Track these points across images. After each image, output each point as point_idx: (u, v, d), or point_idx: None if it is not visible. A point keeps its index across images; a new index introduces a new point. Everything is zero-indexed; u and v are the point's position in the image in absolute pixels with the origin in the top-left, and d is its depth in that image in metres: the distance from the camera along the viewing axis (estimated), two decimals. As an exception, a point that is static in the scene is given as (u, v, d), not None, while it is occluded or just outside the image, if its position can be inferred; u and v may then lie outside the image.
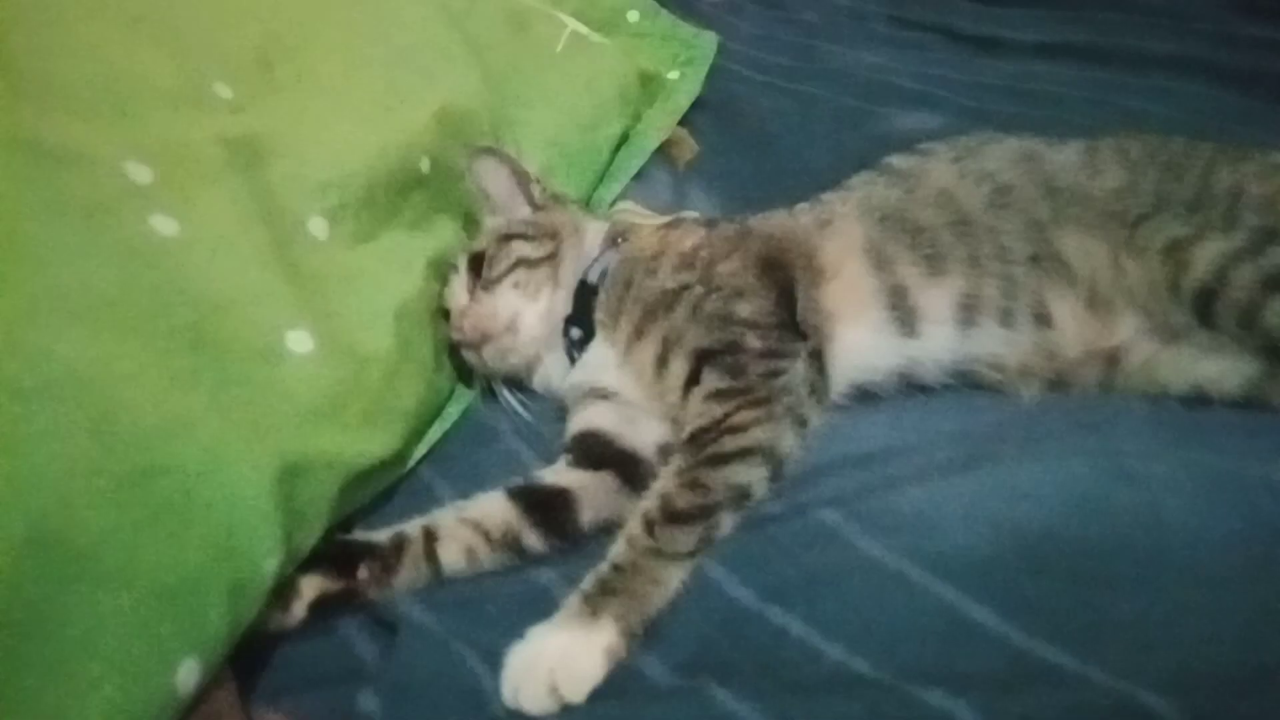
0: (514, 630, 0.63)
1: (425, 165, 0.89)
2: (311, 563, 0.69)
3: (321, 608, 0.69)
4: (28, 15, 0.68)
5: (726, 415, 0.72)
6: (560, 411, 0.87)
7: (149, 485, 0.53)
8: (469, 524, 0.74)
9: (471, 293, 0.88)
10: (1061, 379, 0.81)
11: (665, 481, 0.70)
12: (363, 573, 0.71)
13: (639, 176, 1.21)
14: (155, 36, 0.76)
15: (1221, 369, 0.77)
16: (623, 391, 0.82)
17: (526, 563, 0.73)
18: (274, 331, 0.65)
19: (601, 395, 0.83)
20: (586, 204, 1.12)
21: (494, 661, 0.62)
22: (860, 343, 0.81)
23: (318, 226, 0.76)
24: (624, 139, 1.24)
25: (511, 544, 0.74)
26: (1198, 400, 0.78)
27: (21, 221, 0.57)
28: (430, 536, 0.73)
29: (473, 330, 0.86)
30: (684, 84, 1.37)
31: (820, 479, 0.74)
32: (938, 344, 0.81)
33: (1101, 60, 1.43)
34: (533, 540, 0.74)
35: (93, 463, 0.51)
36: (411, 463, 0.81)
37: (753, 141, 1.32)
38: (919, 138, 0.96)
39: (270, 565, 0.60)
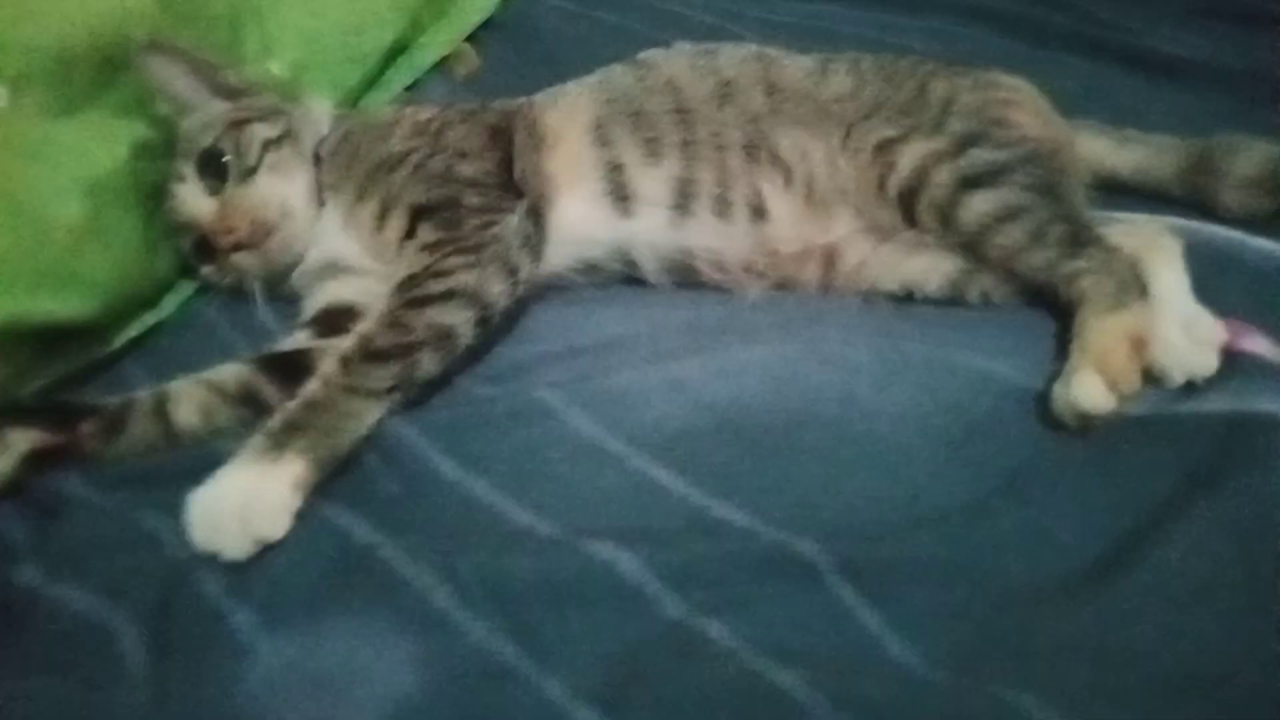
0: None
1: (145, 46, 0.83)
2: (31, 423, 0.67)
3: (40, 463, 0.66)
4: None
5: (435, 262, 0.73)
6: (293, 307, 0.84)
7: None
8: (204, 385, 0.72)
9: (218, 194, 0.82)
10: (784, 279, 0.84)
11: (367, 323, 0.69)
12: (86, 428, 0.68)
13: (413, 88, 1.18)
14: None
15: (926, 267, 0.82)
16: (350, 258, 0.81)
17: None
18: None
19: (338, 270, 0.82)
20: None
21: (172, 513, 0.59)
22: (579, 213, 0.83)
23: (-6, 93, 0.70)
24: (401, 50, 1.20)
25: (248, 399, 0.72)
26: (905, 298, 0.83)
27: None
28: (162, 397, 0.71)
29: (250, 226, 0.79)
30: (475, 2, 1.34)
31: (545, 366, 0.75)
32: (652, 227, 0.83)
33: (888, 3, 1.49)
34: (270, 394, 0.72)
35: None
36: (114, 345, 0.77)
37: (537, 62, 1.30)
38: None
39: None
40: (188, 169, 0.82)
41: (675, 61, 0.90)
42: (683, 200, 0.83)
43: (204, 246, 0.82)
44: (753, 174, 0.83)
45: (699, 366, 0.73)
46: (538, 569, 0.57)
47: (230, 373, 0.73)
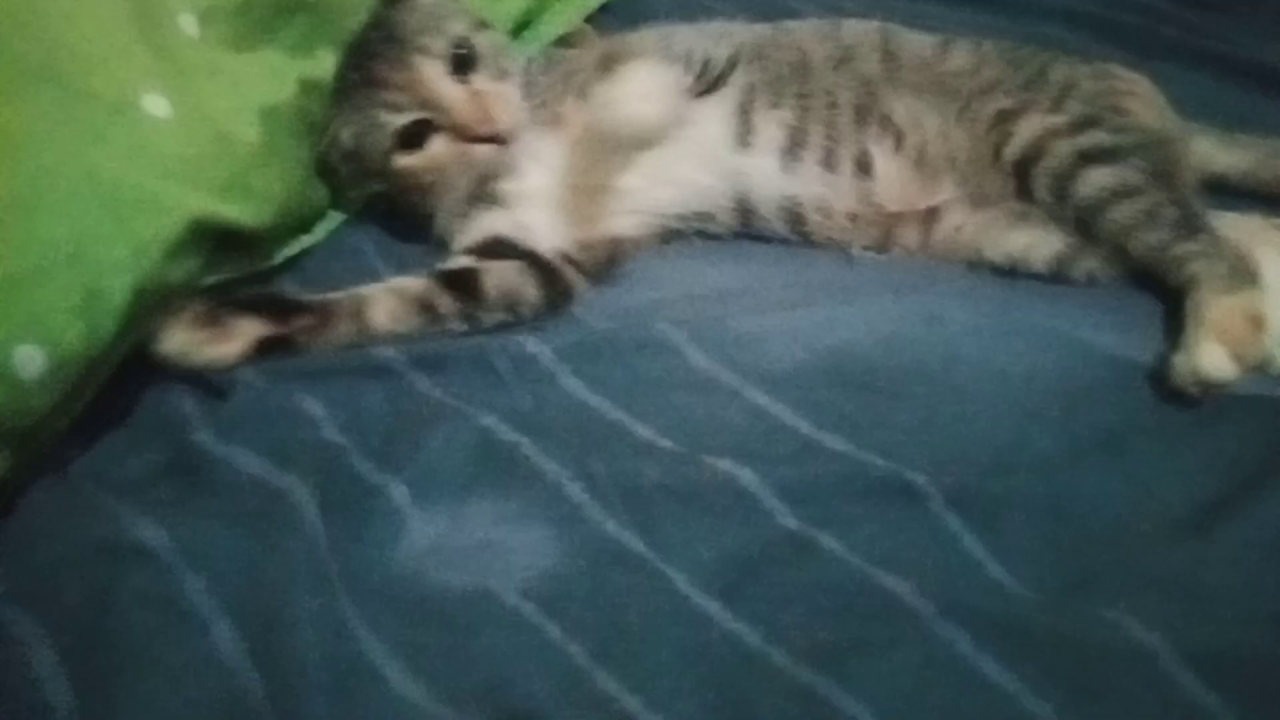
0: (354, 391, 0.68)
1: (312, -9, 0.91)
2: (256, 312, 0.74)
3: (262, 351, 0.73)
4: None
5: None
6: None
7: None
8: (392, 292, 0.79)
9: (465, 83, 0.84)
10: (886, 236, 0.88)
11: None
12: (300, 322, 0.74)
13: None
14: None
15: (1032, 242, 0.84)
16: (538, 182, 0.86)
17: (437, 328, 0.78)
18: (130, 89, 0.67)
19: (499, 203, 0.86)
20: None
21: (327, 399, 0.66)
22: (711, 133, 0.88)
23: (189, 22, 0.78)
24: (526, 23, 1.27)
25: (427, 307, 0.78)
26: (1010, 271, 0.85)
27: None
28: (359, 299, 0.77)
29: (509, 122, 0.84)
30: (597, -16, 1.40)
31: (664, 308, 0.80)
32: (764, 168, 0.88)
33: (990, 5, 1.50)
34: (444, 302, 0.78)
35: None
36: (274, 261, 0.83)
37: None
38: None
39: (121, 282, 0.64)
40: (436, 47, 0.83)
41: (806, 26, 0.98)
42: (792, 146, 0.88)
43: (420, 129, 0.83)
44: (861, 133, 0.88)
45: (810, 317, 0.77)
46: (661, 474, 0.62)
47: (411, 283, 0.79)
